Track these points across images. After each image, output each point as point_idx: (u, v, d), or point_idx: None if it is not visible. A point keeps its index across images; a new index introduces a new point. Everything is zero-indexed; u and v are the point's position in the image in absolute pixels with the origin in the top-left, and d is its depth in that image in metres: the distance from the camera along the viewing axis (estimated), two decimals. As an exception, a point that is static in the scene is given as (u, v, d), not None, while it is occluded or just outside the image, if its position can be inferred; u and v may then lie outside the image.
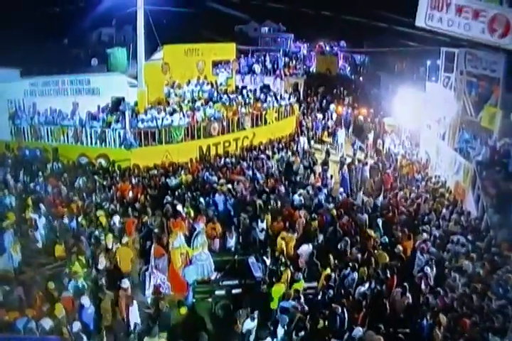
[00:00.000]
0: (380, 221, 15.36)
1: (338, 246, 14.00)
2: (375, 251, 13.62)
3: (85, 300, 11.02)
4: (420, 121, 24.47)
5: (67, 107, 21.99)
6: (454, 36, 16.33)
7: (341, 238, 14.27)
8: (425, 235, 14.36)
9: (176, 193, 17.04)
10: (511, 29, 14.86)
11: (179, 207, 15.58)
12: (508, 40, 14.93)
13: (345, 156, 22.73)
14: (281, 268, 12.52)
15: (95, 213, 15.27)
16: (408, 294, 11.59)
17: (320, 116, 28.84)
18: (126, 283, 11.66)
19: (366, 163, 21.18)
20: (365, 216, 15.81)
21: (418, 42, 27.47)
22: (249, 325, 10.50)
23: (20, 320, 10.09)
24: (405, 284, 11.80)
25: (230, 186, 17.55)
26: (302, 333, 10.36)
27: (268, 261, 13.30)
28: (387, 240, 14.47)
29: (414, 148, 24.38)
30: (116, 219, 14.84)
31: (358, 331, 10.30)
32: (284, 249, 13.79)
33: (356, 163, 21.12)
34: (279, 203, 16.49)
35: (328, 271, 12.51)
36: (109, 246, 13.71)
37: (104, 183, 17.87)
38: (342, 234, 14.48)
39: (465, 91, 20.43)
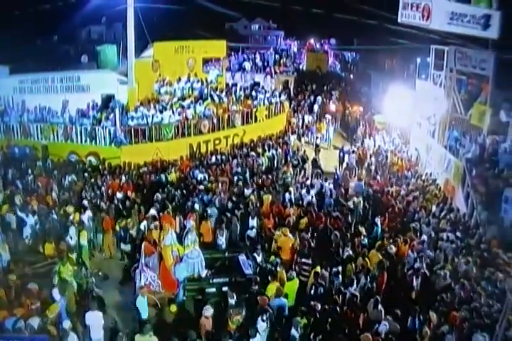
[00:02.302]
0: (377, 220, 15.33)
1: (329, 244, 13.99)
2: (364, 250, 13.57)
3: (56, 294, 10.91)
4: (410, 119, 24.56)
5: (57, 105, 21.84)
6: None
7: (331, 235, 14.25)
8: (425, 236, 14.33)
9: (166, 190, 16.97)
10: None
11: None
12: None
13: (335, 153, 22.78)
14: (278, 269, 12.39)
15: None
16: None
17: (309, 115, 28.80)
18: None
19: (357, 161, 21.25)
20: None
21: (408, 40, 27.52)
22: (262, 326, 10.38)
23: (9, 320, 9.96)
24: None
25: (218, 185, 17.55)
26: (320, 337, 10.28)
27: (259, 259, 13.25)
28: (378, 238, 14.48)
29: (405, 146, 24.47)
30: (86, 216, 14.87)
31: (384, 325, 10.30)
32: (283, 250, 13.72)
33: (347, 160, 21.16)
34: (269, 201, 16.43)
35: (318, 268, 12.47)
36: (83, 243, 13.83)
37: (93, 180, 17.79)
38: (332, 232, 14.44)
39: (455, 89, 20.52)
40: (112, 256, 15.06)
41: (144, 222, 14.71)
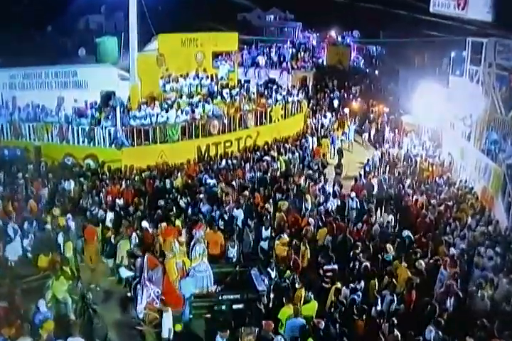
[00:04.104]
0: (406, 232, 15.30)
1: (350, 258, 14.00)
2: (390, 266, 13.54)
3: (42, 305, 11.01)
4: (443, 120, 24.50)
5: (52, 102, 22.09)
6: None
7: (352, 248, 14.25)
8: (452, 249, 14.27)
9: (171, 197, 17.10)
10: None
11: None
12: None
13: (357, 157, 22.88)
14: (297, 286, 12.42)
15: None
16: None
17: (330, 113, 28.86)
18: None
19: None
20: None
21: (441, 32, 27.50)
22: None
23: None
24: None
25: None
26: None
27: (273, 274, 13.30)
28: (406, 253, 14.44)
29: (436, 150, 24.39)
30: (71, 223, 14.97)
31: (430, 331, 10.36)
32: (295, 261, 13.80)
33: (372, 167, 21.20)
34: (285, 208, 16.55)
35: (338, 284, 12.47)
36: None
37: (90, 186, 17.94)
38: (354, 244, 14.43)
39: (494, 86, 20.45)
40: (95, 269, 14.89)
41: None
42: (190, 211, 16.36)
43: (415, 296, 12.18)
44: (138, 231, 14.74)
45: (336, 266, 13.27)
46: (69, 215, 15.20)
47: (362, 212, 17.23)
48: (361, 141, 28.47)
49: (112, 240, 14.61)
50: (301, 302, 11.92)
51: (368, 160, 22.61)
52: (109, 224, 15.58)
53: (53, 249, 14.12)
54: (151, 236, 14.63)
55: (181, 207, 16.53)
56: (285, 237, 14.59)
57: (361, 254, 13.90)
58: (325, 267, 13.30)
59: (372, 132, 28.72)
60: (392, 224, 16.66)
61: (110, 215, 15.88)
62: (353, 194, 18.15)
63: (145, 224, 15.02)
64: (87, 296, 12.25)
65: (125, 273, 13.75)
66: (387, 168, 22.38)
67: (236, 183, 18.58)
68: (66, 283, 12.35)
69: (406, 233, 15.30)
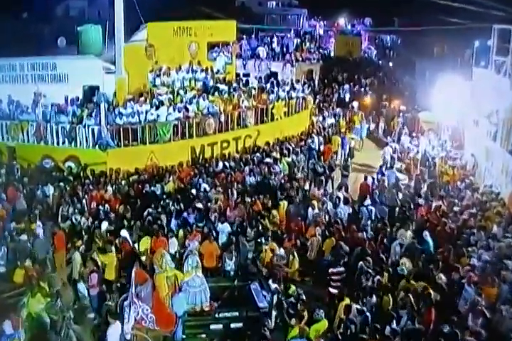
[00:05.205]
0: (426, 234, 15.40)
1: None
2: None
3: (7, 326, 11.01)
4: (465, 117, 24.52)
5: (28, 98, 22.02)
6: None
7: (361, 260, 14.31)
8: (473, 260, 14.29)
9: (162, 204, 17.17)
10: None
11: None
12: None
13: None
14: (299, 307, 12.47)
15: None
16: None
17: (339, 110, 28.92)
18: None
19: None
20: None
21: (463, 19, 27.53)
22: None
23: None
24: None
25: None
26: None
27: (274, 287, 13.34)
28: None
29: (458, 151, 24.42)
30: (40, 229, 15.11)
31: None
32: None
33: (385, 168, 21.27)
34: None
35: (347, 300, 12.50)
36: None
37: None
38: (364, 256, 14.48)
39: (524, 79, 20.47)
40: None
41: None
42: (181, 219, 16.44)
43: (435, 315, 12.20)
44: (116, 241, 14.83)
45: (342, 269, 13.57)
46: (47, 224, 15.28)
47: (375, 221, 17.36)
48: (373, 141, 28.53)
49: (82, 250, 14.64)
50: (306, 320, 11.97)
51: (381, 162, 22.69)
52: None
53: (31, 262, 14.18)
54: (129, 248, 14.70)
55: (172, 215, 16.59)
56: (272, 243, 14.76)
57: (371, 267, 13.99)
58: (331, 270, 13.48)
59: (386, 131, 28.78)
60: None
61: (105, 225, 15.90)
62: (368, 201, 18.21)
63: (124, 233, 15.06)
64: (67, 315, 12.27)
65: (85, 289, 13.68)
66: (403, 170, 22.43)
67: (234, 188, 18.65)
68: (44, 300, 12.37)
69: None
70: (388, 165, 22.66)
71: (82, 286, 13.63)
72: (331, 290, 13.39)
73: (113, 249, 14.49)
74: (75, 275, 13.99)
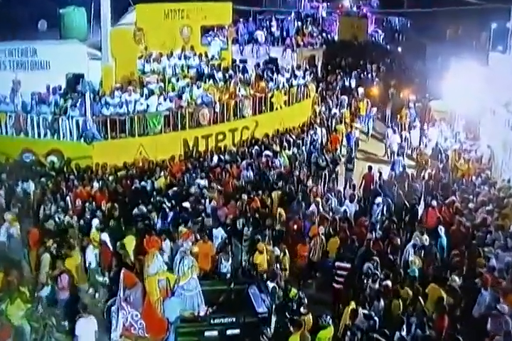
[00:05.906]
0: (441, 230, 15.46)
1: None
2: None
3: None
4: (481, 106, 24.47)
5: (6, 87, 21.79)
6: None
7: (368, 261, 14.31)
8: (502, 265, 14.19)
9: (152, 201, 17.16)
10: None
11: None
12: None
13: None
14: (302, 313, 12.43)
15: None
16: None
17: (344, 98, 28.88)
18: None
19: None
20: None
21: (479, -1, 27.42)
22: None
23: None
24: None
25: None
26: None
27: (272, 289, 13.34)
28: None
29: (473, 142, 24.38)
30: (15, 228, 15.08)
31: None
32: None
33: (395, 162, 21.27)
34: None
35: (353, 304, 12.47)
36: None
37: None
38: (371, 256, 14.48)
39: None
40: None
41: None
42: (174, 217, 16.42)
43: (448, 320, 12.17)
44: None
45: (348, 265, 13.79)
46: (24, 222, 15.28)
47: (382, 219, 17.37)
48: (380, 130, 28.52)
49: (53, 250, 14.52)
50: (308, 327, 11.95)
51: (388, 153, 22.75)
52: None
53: (9, 264, 14.11)
54: (109, 253, 14.70)
55: (164, 213, 16.56)
56: (261, 244, 14.75)
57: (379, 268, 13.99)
58: (337, 263, 13.77)
59: (394, 120, 28.76)
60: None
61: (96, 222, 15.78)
62: (379, 199, 18.19)
63: (105, 236, 14.97)
64: (49, 323, 12.22)
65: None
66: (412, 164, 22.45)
67: (230, 184, 18.66)
68: (24, 306, 12.29)
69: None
70: (395, 157, 22.66)
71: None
72: (335, 285, 13.62)
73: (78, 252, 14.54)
74: (43, 278, 13.79)
